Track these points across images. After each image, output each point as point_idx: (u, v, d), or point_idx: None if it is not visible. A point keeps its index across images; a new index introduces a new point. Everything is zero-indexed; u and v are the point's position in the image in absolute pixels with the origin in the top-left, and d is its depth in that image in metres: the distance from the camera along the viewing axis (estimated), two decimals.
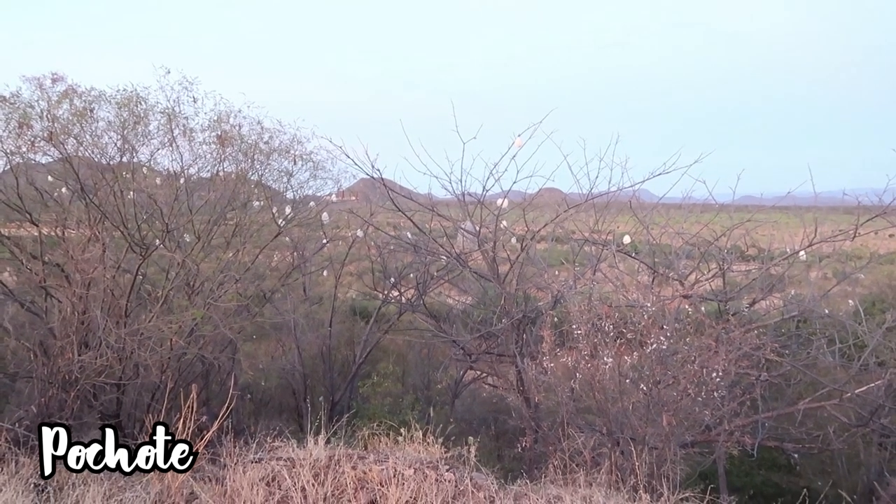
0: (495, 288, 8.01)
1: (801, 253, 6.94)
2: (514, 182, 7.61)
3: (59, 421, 5.22)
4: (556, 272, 9.28)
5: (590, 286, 7.76)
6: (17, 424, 5.06)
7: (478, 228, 7.97)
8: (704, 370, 4.91)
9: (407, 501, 3.83)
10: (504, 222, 8.59)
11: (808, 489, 4.46)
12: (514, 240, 9.16)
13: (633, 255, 8.04)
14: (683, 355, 5.09)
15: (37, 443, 4.62)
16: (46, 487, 4.09)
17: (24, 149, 6.86)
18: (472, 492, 3.95)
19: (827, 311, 7.17)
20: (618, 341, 5.31)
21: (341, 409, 9.15)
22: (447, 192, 7.92)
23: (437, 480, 4.01)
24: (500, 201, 8.31)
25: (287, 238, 9.36)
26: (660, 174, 7.06)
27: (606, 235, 8.51)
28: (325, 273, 11.17)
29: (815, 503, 4.30)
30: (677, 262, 7.43)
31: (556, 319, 7.01)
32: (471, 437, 4.55)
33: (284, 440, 4.67)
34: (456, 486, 4.01)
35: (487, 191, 7.87)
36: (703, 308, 7.15)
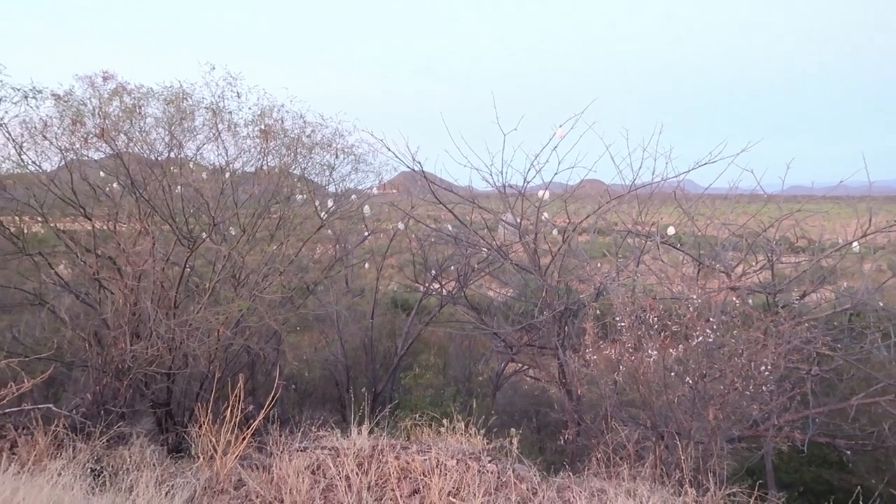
0: (536, 280, 7.97)
1: (855, 244, 6.72)
2: (556, 173, 7.55)
3: (113, 408, 5.41)
4: (598, 264, 9.18)
5: (633, 278, 7.67)
6: (73, 411, 5.24)
7: (519, 220, 7.93)
8: (752, 364, 4.79)
9: (450, 492, 3.85)
10: (545, 214, 8.53)
11: (862, 487, 4.32)
12: (555, 231, 9.09)
13: (678, 246, 7.90)
14: (730, 348, 4.98)
15: (93, 429, 4.81)
16: (102, 472, 4.24)
17: (78, 145, 7.09)
18: (515, 483, 3.95)
19: (881, 305, 6.93)
20: (662, 334, 5.23)
21: (383, 400, 9.25)
22: (488, 184, 7.90)
23: (479, 471, 4.02)
24: (541, 193, 8.25)
25: (329, 231, 9.47)
26: (705, 164, 6.91)
27: (650, 227, 8.37)
28: (366, 265, 11.28)
29: (868, 502, 4.18)
30: (723, 253, 7.27)
31: (598, 312, 6.95)
32: (513, 429, 4.55)
33: (329, 430, 4.75)
34: (498, 478, 4.02)
35: (528, 182, 7.82)
36: (750, 301, 6.99)
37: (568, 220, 7.85)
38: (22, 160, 6.90)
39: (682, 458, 4.26)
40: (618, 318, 5.19)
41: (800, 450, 5.70)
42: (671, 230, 8.74)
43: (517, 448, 4.42)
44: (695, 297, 5.48)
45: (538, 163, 7.44)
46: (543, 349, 8.06)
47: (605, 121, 7.27)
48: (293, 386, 10.06)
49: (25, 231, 7.11)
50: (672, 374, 4.97)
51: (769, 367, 4.80)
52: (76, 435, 4.79)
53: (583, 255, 8.34)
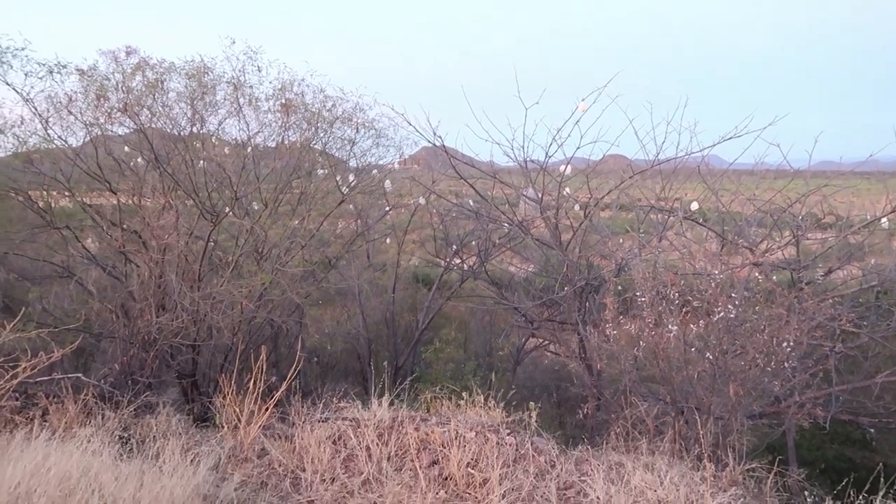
0: (558, 255, 7.94)
1: (884, 220, 6.59)
2: (578, 148, 7.47)
3: (140, 378, 5.54)
4: (620, 240, 9.13)
5: (655, 254, 7.61)
6: (102, 381, 5.37)
7: (540, 195, 7.88)
8: (775, 340, 4.75)
9: (468, 463, 3.90)
10: (567, 189, 8.47)
11: (885, 465, 4.29)
12: (576, 207, 9.02)
13: (702, 222, 7.81)
14: (753, 324, 4.93)
15: (121, 398, 4.93)
16: (130, 440, 4.35)
17: (102, 120, 7.16)
18: (533, 455, 3.98)
19: None
20: (683, 310, 5.19)
21: (404, 374, 9.33)
22: (509, 158, 7.85)
23: (497, 443, 4.06)
24: (562, 168, 8.18)
25: (350, 205, 9.50)
26: (731, 138, 6.79)
27: (673, 202, 8.28)
28: (387, 240, 11.32)
29: (891, 479, 4.14)
30: (748, 229, 7.17)
31: (619, 287, 6.92)
32: (532, 403, 4.57)
33: (350, 402, 4.82)
34: (517, 450, 4.06)
35: (550, 157, 7.76)
36: (774, 277, 6.91)
37: (590, 196, 7.79)
38: (48, 135, 7.00)
39: (702, 433, 4.26)
40: (639, 294, 5.16)
41: (822, 427, 5.66)
42: (695, 206, 8.65)
43: (536, 422, 4.45)
44: (717, 272, 5.43)
45: (560, 137, 7.37)
46: (564, 324, 8.06)
47: (628, 94, 7.17)
48: (315, 359, 10.20)
49: (53, 205, 7.23)
50: (693, 349, 4.94)
51: (792, 344, 4.76)
52: (105, 404, 4.91)
53: (605, 230, 8.28)
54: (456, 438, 4.07)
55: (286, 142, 8.16)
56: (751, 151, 6.91)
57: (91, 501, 3.16)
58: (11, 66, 6.64)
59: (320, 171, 8.91)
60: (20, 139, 6.86)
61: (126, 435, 4.44)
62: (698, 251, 7.37)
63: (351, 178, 9.03)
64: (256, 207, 7.97)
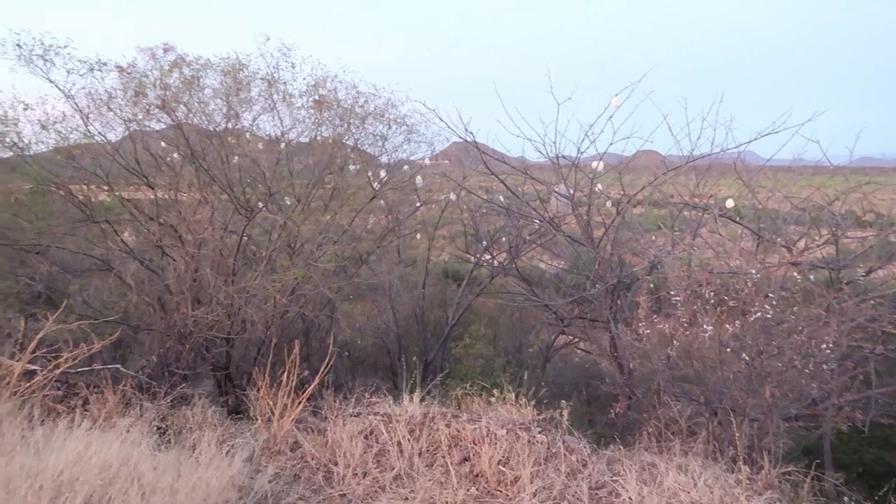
0: (589, 252, 7.88)
1: None
2: (611, 144, 7.42)
3: (176, 370, 5.65)
4: (653, 237, 9.02)
5: (689, 252, 7.51)
6: (140, 372, 5.49)
7: (572, 192, 7.83)
8: (813, 341, 4.66)
9: (499, 460, 3.90)
10: (599, 185, 8.39)
11: None
12: (608, 203, 8.94)
13: (737, 219, 7.68)
14: (790, 325, 4.84)
15: (158, 390, 5.04)
16: (167, 430, 4.44)
17: (140, 116, 7.30)
18: (565, 454, 3.97)
19: None
20: (718, 309, 5.12)
21: (434, 369, 9.36)
22: (541, 154, 7.82)
23: (529, 441, 4.05)
24: (594, 164, 8.11)
25: (381, 201, 9.55)
26: (768, 134, 6.67)
27: (707, 199, 8.16)
28: (418, 236, 11.34)
29: None
30: (785, 227, 7.04)
31: (651, 285, 6.84)
32: (563, 401, 4.55)
33: (381, 397, 4.85)
34: (548, 448, 4.04)
35: (582, 153, 7.71)
36: (811, 276, 6.77)
37: (622, 192, 7.71)
38: (89, 131, 7.16)
39: (737, 435, 4.20)
40: (672, 293, 5.10)
41: (860, 430, 5.54)
42: (730, 203, 8.50)
43: (567, 420, 4.43)
44: (753, 271, 5.34)
45: (592, 133, 7.32)
46: (595, 322, 8.00)
47: (662, 90, 7.11)
48: (346, 353, 10.28)
49: (93, 199, 7.40)
50: (728, 349, 4.87)
51: (830, 345, 4.66)
52: (142, 394, 5.02)
53: (637, 227, 8.19)
54: (487, 436, 4.08)
55: (319, 137, 8.24)
56: (788, 147, 6.80)
57: (130, 491, 3.23)
58: (54, 64, 6.81)
59: (352, 167, 8.97)
60: (62, 135, 7.03)
61: (163, 426, 4.53)
62: (733, 249, 7.25)
63: (382, 173, 9.07)
64: (289, 203, 8.05)
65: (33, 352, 4.67)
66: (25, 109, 6.83)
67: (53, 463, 3.35)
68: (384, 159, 9.75)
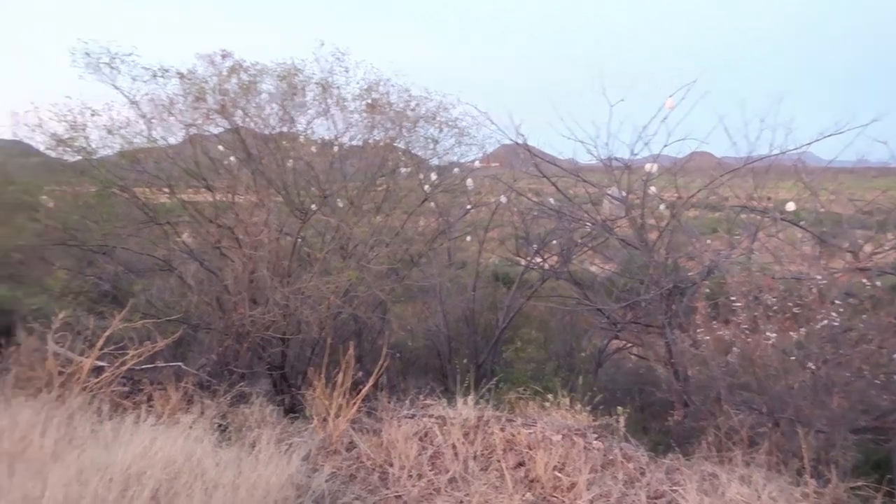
0: (642, 256, 7.75)
1: None
2: (665, 146, 7.31)
3: (235, 369, 5.78)
4: (708, 241, 8.82)
5: (747, 256, 7.32)
6: (200, 370, 5.65)
7: (624, 194, 7.72)
8: (883, 350, 4.48)
9: (555, 466, 3.87)
10: (652, 188, 8.25)
11: None
12: (662, 206, 8.78)
13: (798, 223, 7.45)
14: (858, 333, 4.66)
15: (218, 387, 5.16)
16: (228, 427, 4.55)
17: (200, 120, 7.51)
18: (622, 462, 3.91)
19: None
20: (781, 316, 4.96)
21: (484, 373, 9.33)
22: (592, 156, 7.75)
23: (585, 448, 4.00)
24: (648, 166, 7.99)
25: (432, 203, 9.58)
26: (830, 135, 6.47)
27: (766, 202, 7.94)
28: (468, 238, 11.33)
29: None
30: (850, 231, 6.79)
31: (707, 290, 6.69)
32: (619, 407, 4.48)
33: (434, 399, 4.87)
34: (605, 455, 3.99)
35: (636, 155, 7.60)
36: (878, 282, 6.52)
37: (677, 195, 7.56)
38: (151, 135, 7.40)
39: (803, 446, 4.05)
40: (732, 298, 4.97)
41: None
42: (790, 206, 8.24)
43: (623, 426, 4.36)
44: (819, 277, 5.17)
45: (646, 135, 7.22)
46: (649, 327, 7.85)
47: (718, 91, 6.97)
48: (398, 354, 10.33)
49: (155, 202, 7.64)
50: (791, 358, 4.72)
51: None
52: (203, 392, 5.15)
53: (692, 231, 8.02)
54: (542, 441, 4.05)
55: (371, 141, 8.32)
56: (852, 149, 6.58)
57: (195, 486, 3.32)
58: (120, 72, 7.06)
59: (403, 170, 9.03)
60: (126, 139, 7.28)
61: (224, 423, 4.64)
62: (793, 254, 7.04)
63: (433, 176, 9.10)
64: (341, 205, 8.15)
65: (101, 349, 4.86)
66: (93, 115, 7.11)
67: (122, 456, 3.47)
68: (434, 162, 9.79)
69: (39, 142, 7.40)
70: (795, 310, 4.91)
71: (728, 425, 4.68)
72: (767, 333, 4.76)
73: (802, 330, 4.85)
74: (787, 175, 7.80)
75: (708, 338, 5.23)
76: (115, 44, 7.06)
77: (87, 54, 6.96)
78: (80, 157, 7.28)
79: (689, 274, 7.97)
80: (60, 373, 4.66)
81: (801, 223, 7.38)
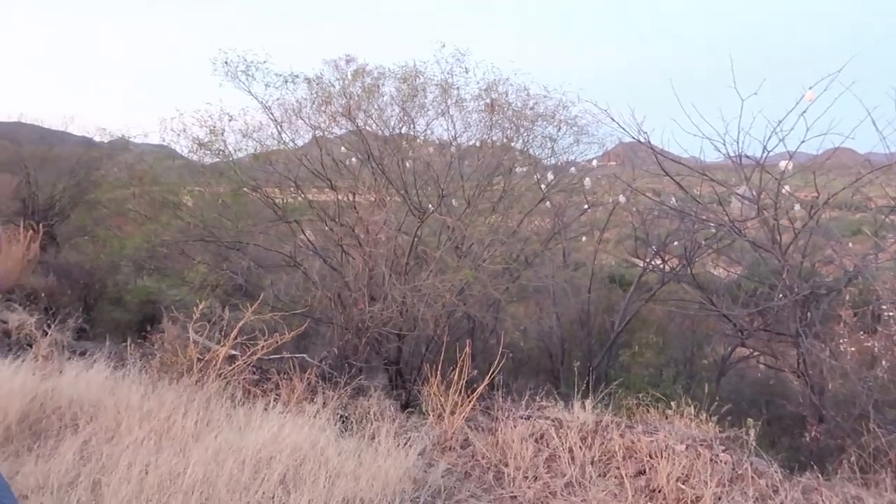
0: (774, 259, 7.27)
1: None
2: (802, 141, 6.79)
3: (354, 362, 5.99)
4: (850, 244, 8.16)
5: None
6: (322, 362, 5.89)
7: (756, 194, 7.27)
8: None
9: (678, 477, 3.70)
10: (787, 187, 7.73)
11: None
12: (797, 206, 8.21)
13: None
14: None
15: (338, 380, 5.36)
16: (349, 419, 4.71)
17: (326, 123, 7.85)
18: (753, 478, 3.67)
19: None
20: None
21: (598, 376, 9.12)
22: (720, 153, 7.34)
23: (711, 460, 3.80)
24: (782, 164, 7.48)
25: (548, 203, 9.48)
26: None
27: None
28: (583, 239, 11.13)
29: None
30: None
31: (847, 298, 6.18)
32: (749, 419, 4.23)
33: (552, 401, 4.80)
34: (733, 469, 3.77)
35: (769, 152, 7.13)
36: None
37: (816, 194, 7.03)
38: (282, 138, 7.82)
39: None
40: (884, 307, 4.55)
41: None
42: None
43: (753, 440, 4.10)
44: None
45: (781, 130, 6.74)
46: (780, 335, 7.35)
47: (866, 81, 6.40)
48: (510, 354, 10.32)
49: (283, 201, 8.06)
50: None
51: None
52: (324, 383, 5.38)
53: (832, 232, 7.43)
54: (665, 450, 3.88)
55: (489, 140, 8.34)
56: None
57: (319, 473, 3.46)
58: (254, 79, 7.53)
59: (519, 170, 8.99)
60: (259, 142, 7.75)
61: (345, 414, 4.81)
62: None
63: (550, 175, 9.00)
64: (455, 204, 8.23)
65: (235, 339, 5.18)
66: (230, 120, 7.63)
67: (253, 441, 3.68)
68: (551, 161, 9.67)
69: (183, 146, 8.05)
70: None
71: (874, 445, 4.30)
72: None
73: None
74: None
75: (852, 349, 4.82)
76: (250, 53, 7.53)
77: (227, 63, 7.47)
78: (217, 160, 7.82)
79: (827, 279, 7.41)
80: (199, 359, 5.02)
81: None
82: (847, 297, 6.09)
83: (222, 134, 7.62)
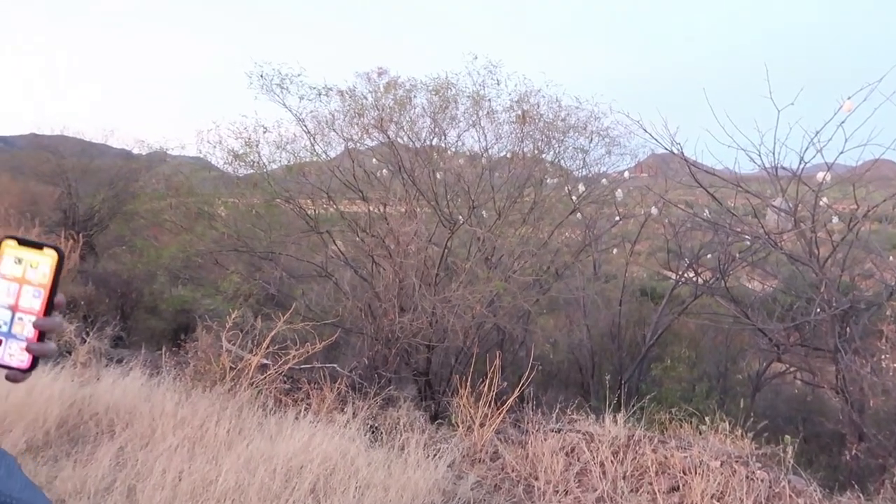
0: (812, 273, 7.12)
1: None
2: (841, 152, 6.65)
3: (384, 373, 6.00)
4: (890, 257, 7.94)
5: None
6: (352, 372, 5.92)
7: (793, 206, 7.13)
8: None
9: (713, 495, 3.62)
10: (824, 199, 7.57)
11: None
12: (835, 219, 8.03)
13: None
14: None
15: (368, 390, 5.38)
16: (378, 429, 4.72)
17: (358, 135, 7.92)
18: (791, 496, 3.58)
19: None
20: None
21: (629, 390, 9.00)
22: (755, 165, 7.22)
23: (747, 477, 3.72)
24: (820, 175, 7.35)
25: (579, 215, 9.42)
26: None
27: None
28: (614, 251, 11.04)
29: None
30: None
31: (888, 312, 6.03)
32: (787, 436, 4.13)
33: (582, 414, 4.75)
34: (770, 487, 3.68)
35: (806, 163, 6.99)
36: None
37: (856, 206, 6.87)
38: (315, 150, 7.92)
39: None
40: None
41: None
42: None
43: (791, 457, 4.01)
44: None
45: (819, 141, 6.61)
46: (818, 350, 7.18)
47: None
48: (540, 366, 10.24)
49: (316, 212, 8.15)
50: None
51: None
52: (355, 393, 5.39)
53: (873, 245, 7.26)
54: (699, 466, 3.81)
55: (520, 152, 8.33)
56: None
57: (349, 483, 3.47)
58: (289, 91, 7.64)
59: (550, 181, 8.95)
60: (292, 154, 7.85)
61: (375, 424, 4.82)
62: None
63: (581, 187, 8.95)
64: (486, 216, 8.23)
65: (266, 348, 5.23)
66: (265, 132, 7.75)
67: (284, 450, 3.70)
68: (583, 172, 9.62)
69: (218, 157, 8.19)
70: None
71: None
72: None
73: None
74: None
75: (895, 365, 4.69)
76: (285, 65, 7.66)
77: (262, 76, 7.60)
78: (251, 171, 7.94)
79: (867, 293, 7.23)
80: (232, 368, 5.07)
81: None
82: (888, 312, 5.93)
83: (257, 146, 7.76)
